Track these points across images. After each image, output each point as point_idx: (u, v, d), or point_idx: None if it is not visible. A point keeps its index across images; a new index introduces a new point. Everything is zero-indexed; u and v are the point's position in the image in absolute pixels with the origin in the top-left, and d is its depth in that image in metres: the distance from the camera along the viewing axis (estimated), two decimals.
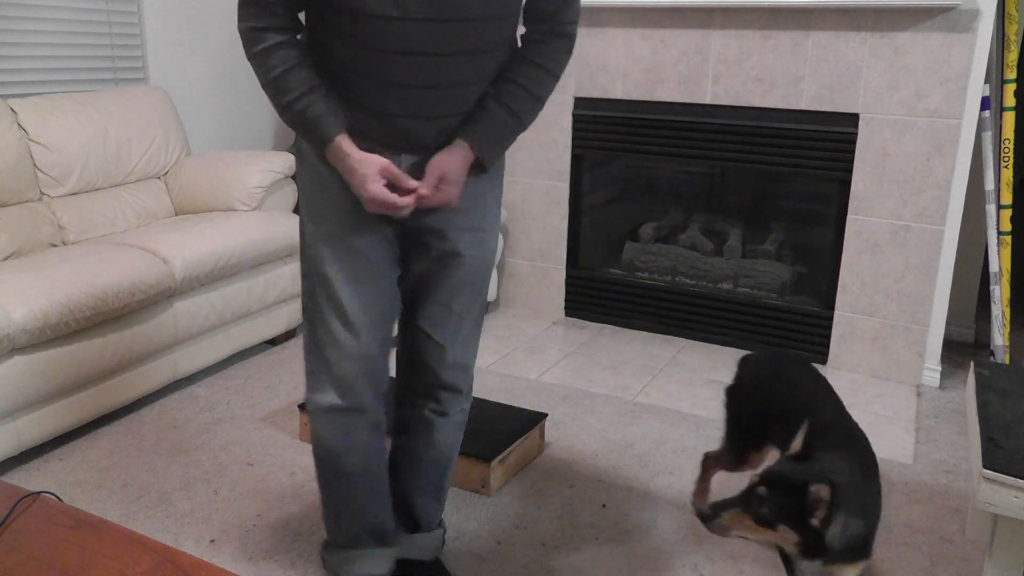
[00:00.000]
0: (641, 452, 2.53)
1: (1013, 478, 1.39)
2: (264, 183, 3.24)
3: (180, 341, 2.76)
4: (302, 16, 1.50)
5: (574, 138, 3.55)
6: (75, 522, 1.36)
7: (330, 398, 1.62)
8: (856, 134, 3.02)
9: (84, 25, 3.28)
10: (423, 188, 1.49)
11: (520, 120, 1.54)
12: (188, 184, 3.29)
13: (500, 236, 1.63)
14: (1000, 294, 2.98)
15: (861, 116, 3.01)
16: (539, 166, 3.66)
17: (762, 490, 1.47)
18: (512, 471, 2.36)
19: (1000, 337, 2.99)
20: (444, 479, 1.86)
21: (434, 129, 1.51)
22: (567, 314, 3.75)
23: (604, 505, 2.24)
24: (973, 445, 1.59)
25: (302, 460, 2.42)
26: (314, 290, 1.61)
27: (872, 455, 1.61)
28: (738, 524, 1.49)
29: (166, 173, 3.36)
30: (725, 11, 3.14)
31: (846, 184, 3.09)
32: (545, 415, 2.51)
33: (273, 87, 1.47)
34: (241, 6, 1.46)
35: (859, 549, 1.51)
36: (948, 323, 3.47)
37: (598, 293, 3.66)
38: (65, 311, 2.31)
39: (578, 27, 1.54)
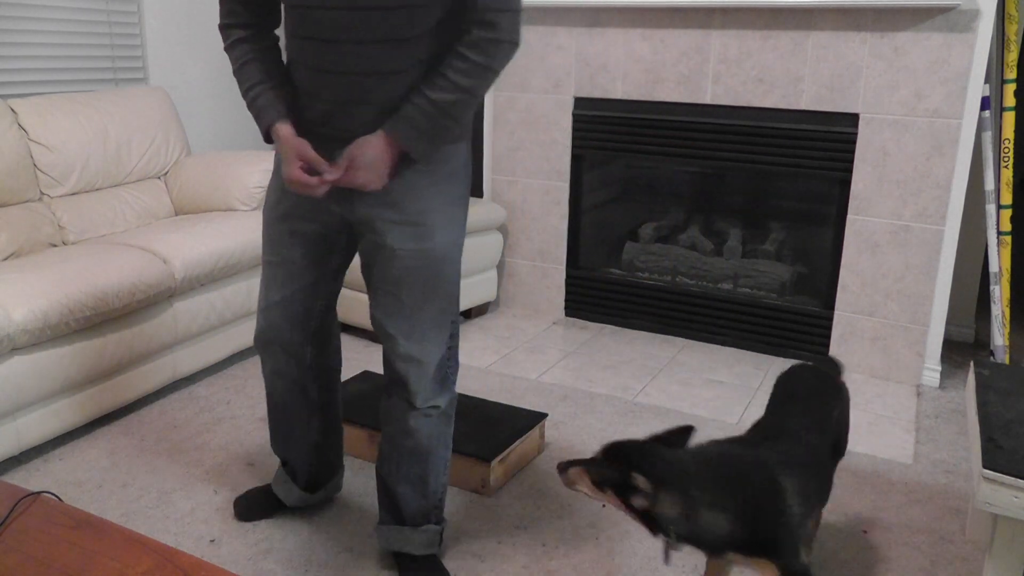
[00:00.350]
0: None
1: (1013, 478, 1.39)
2: (264, 183, 3.24)
3: (180, 341, 2.76)
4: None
5: (574, 138, 3.55)
6: (75, 522, 1.36)
7: (254, 340, 1.94)
8: (856, 134, 3.03)
9: (84, 25, 3.28)
10: (330, 174, 1.58)
11: (446, 112, 1.56)
12: (188, 184, 3.29)
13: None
14: (1000, 294, 2.98)
15: (861, 116, 3.01)
16: (539, 166, 3.66)
17: (599, 456, 1.55)
18: (512, 471, 2.36)
19: (1000, 337, 2.99)
20: (428, 474, 1.86)
21: (366, 117, 1.59)
22: (567, 314, 3.75)
23: (604, 505, 2.24)
24: (973, 445, 1.59)
25: None
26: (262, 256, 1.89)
27: (770, 469, 1.54)
28: (579, 480, 1.58)
29: (166, 173, 3.36)
30: (725, 11, 3.14)
31: (846, 184, 3.09)
32: (545, 415, 2.51)
33: (237, 77, 1.71)
34: (219, 4, 1.70)
35: (745, 545, 1.50)
36: (948, 323, 3.47)
37: (598, 293, 3.66)
38: (65, 311, 2.31)
39: (512, 16, 1.51)
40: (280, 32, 1.74)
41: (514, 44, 1.54)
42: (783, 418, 1.72)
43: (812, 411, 1.74)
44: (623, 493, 1.53)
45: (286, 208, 1.78)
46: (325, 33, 1.53)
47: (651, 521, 1.51)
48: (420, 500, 1.89)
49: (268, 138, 1.68)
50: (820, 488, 1.67)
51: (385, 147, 1.58)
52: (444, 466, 1.90)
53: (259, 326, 1.90)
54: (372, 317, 1.78)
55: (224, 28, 1.71)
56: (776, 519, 1.51)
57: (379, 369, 3.06)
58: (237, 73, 1.70)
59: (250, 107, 1.68)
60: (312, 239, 1.79)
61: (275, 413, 2.02)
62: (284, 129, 1.63)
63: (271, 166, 3.28)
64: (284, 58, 1.73)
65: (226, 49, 1.72)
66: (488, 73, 1.54)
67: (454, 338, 1.81)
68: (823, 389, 1.83)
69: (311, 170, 1.61)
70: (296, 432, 2.02)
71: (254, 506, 2.13)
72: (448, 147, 1.67)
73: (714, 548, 1.54)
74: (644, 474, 1.48)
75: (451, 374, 1.84)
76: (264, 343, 1.91)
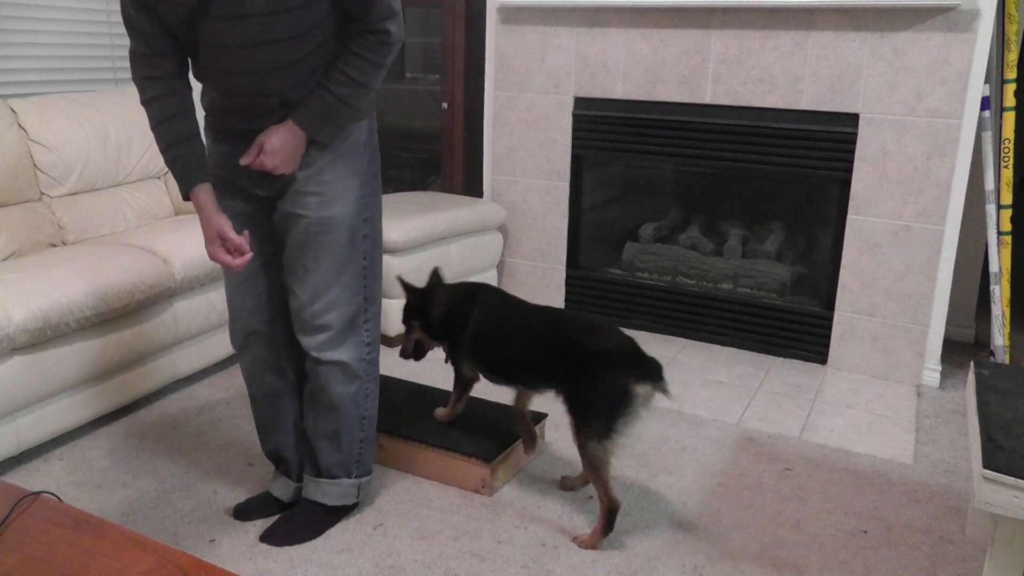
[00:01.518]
0: (641, 452, 2.53)
1: (1013, 478, 1.39)
2: None
3: (180, 341, 2.76)
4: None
5: (574, 138, 3.55)
6: (75, 522, 1.36)
7: (231, 342, 2.08)
8: (856, 134, 3.02)
9: (84, 25, 3.28)
10: (244, 159, 1.79)
11: (345, 102, 1.80)
12: None
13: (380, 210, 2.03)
14: (1000, 294, 2.98)
15: (861, 116, 3.01)
16: (539, 166, 3.66)
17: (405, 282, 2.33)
18: (512, 471, 2.36)
19: (1000, 337, 2.99)
20: (340, 429, 2.04)
21: (276, 117, 1.80)
22: None
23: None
24: (973, 445, 1.59)
25: None
26: None
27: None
28: (414, 330, 2.34)
29: (166, 173, 3.35)
30: (725, 11, 3.14)
31: (846, 184, 3.09)
32: (545, 415, 2.51)
33: (155, 132, 1.80)
34: (130, 61, 1.77)
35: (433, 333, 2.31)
36: (948, 323, 3.47)
37: (598, 293, 3.66)
38: (65, 311, 2.31)
39: (398, 20, 1.77)
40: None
41: (400, 43, 1.81)
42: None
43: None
44: (422, 322, 2.31)
45: (225, 190, 1.90)
46: (229, 66, 1.73)
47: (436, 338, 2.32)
48: (335, 454, 2.06)
49: (186, 196, 1.83)
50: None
51: (292, 135, 1.80)
52: (359, 423, 2.07)
53: (230, 318, 2.04)
54: (284, 282, 1.97)
55: (143, 80, 1.77)
56: (455, 323, 2.26)
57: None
58: (155, 130, 1.79)
59: (170, 164, 1.81)
60: (255, 219, 1.94)
61: (260, 405, 2.12)
62: (204, 198, 1.81)
63: None
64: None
65: (145, 103, 1.78)
66: (381, 69, 1.80)
67: (371, 308, 2.01)
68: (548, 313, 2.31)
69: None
70: (281, 418, 2.11)
71: (252, 509, 2.16)
72: (348, 126, 1.89)
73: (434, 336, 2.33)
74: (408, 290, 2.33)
75: (366, 337, 2.01)
76: (243, 334, 2.03)
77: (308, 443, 2.08)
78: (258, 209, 1.94)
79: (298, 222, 1.89)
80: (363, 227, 1.94)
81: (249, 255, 1.81)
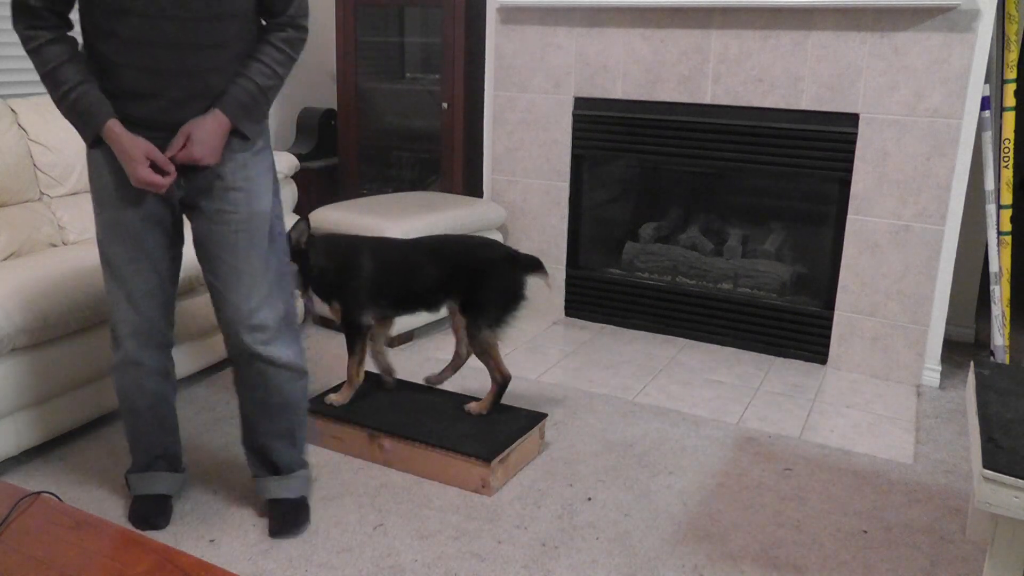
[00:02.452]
0: (641, 452, 2.53)
1: (1013, 478, 1.39)
2: None
3: (180, 341, 2.76)
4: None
5: (574, 138, 3.55)
6: (75, 522, 1.36)
7: (119, 356, 1.97)
8: (856, 134, 3.02)
9: None
10: (170, 151, 1.78)
11: (265, 93, 1.86)
12: None
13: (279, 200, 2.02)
14: (1000, 294, 2.98)
15: (861, 116, 3.01)
16: (539, 166, 3.66)
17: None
18: (512, 471, 2.36)
19: (1000, 337, 2.99)
20: (295, 426, 2.08)
21: (200, 107, 1.79)
22: (567, 314, 3.74)
23: (589, 498, 2.24)
24: (973, 445, 1.59)
25: None
26: (103, 268, 1.92)
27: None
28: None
29: None
30: (725, 11, 3.14)
31: (846, 184, 3.09)
32: (545, 415, 2.51)
33: (49, 79, 1.74)
34: (13, 11, 1.72)
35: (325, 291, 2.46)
36: (948, 323, 3.47)
37: (598, 293, 3.66)
38: (65, 311, 2.31)
39: (307, 18, 1.88)
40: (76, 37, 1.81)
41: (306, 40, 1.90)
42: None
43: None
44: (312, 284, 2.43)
45: (134, 197, 1.85)
46: (170, 38, 1.72)
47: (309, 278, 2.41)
48: (291, 450, 2.10)
49: (96, 140, 1.77)
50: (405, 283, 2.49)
51: (218, 125, 1.81)
52: (305, 415, 2.12)
53: (131, 324, 1.93)
54: (211, 287, 1.95)
55: (29, 29, 1.72)
56: (349, 277, 2.42)
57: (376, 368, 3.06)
58: (51, 75, 1.73)
59: (71, 107, 1.75)
60: (165, 223, 1.92)
61: (145, 413, 2.05)
62: (119, 127, 1.75)
63: None
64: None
65: (33, 51, 1.73)
66: (293, 64, 1.89)
67: (292, 302, 2.04)
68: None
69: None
70: (169, 419, 2.12)
71: (153, 515, 2.11)
72: (263, 123, 1.93)
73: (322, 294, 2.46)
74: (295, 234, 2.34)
75: (297, 330, 2.05)
76: (145, 345, 1.97)
77: (259, 446, 2.07)
78: (166, 214, 1.91)
79: (227, 219, 1.88)
80: (277, 223, 1.98)
81: (175, 174, 1.78)
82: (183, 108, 1.79)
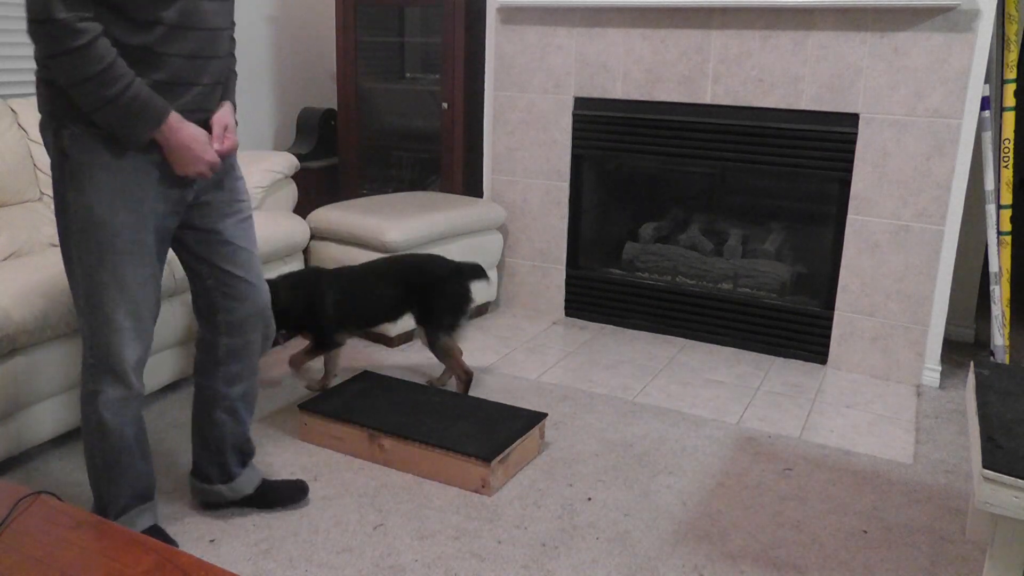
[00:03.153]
0: (641, 452, 2.53)
1: (1013, 478, 1.39)
2: (264, 183, 3.24)
3: (181, 340, 2.76)
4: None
5: (574, 138, 3.55)
6: (75, 522, 1.36)
7: (118, 392, 1.80)
8: (856, 134, 3.02)
9: None
10: (218, 144, 1.77)
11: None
12: None
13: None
14: (1000, 294, 2.98)
15: (861, 116, 3.01)
16: (539, 166, 3.66)
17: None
18: (512, 471, 2.36)
19: (1000, 337, 2.99)
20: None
21: (219, 94, 1.81)
22: (567, 314, 3.75)
23: (596, 499, 2.24)
24: (973, 445, 1.59)
25: (302, 460, 2.42)
26: (103, 294, 1.72)
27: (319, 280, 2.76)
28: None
29: None
30: (725, 11, 3.15)
31: (846, 184, 3.09)
32: (545, 415, 2.51)
33: (105, 77, 1.57)
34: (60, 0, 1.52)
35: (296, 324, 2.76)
36: (948, 323, 3.47)
37: (598, 293, 3.66)
38: (65, 311, 2.31)
39: None
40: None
41: None
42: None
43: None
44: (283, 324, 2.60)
45: (163, 209, 1.75)
46: (209, 22, 1.71)
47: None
48: (250, 433, 2.14)
49: (156, 128, 1.64)
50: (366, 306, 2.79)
51: (232, 115, 1.86)
52: None
53: (136, 353, 1.79)
54: (233, 283, 1.91)
55: (82, 21, 1.54)
56: (317, 308, 2.70)
57: (376, 369, 3.06)
58: (108, 71, 1.57)
59: (129, 105, 1.60)
60: (171, 233, 1.85)
61: (137, 442, 1.89)
62: (177, 116, 1.68)
63: (271, 166, 3.27)
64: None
65: (84, 47, 1.54)
66: None
67: None
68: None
69: None
70: (147, 442, 1.97)
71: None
72: None
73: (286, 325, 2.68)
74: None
75: None
76: (142, 368, 1.84)
77: (239, 443, 2.10)
78: (174, 223, 1.84)
79: (241, 208, 1.93)
80: None
81: (217, 146, 1.78)
82: (210, 96, 1.78)
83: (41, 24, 1.55)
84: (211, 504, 2.15)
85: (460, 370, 2.75)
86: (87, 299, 1.74)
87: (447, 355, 2.73)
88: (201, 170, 1.74)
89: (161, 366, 2.72)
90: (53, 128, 1.69)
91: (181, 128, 1.68)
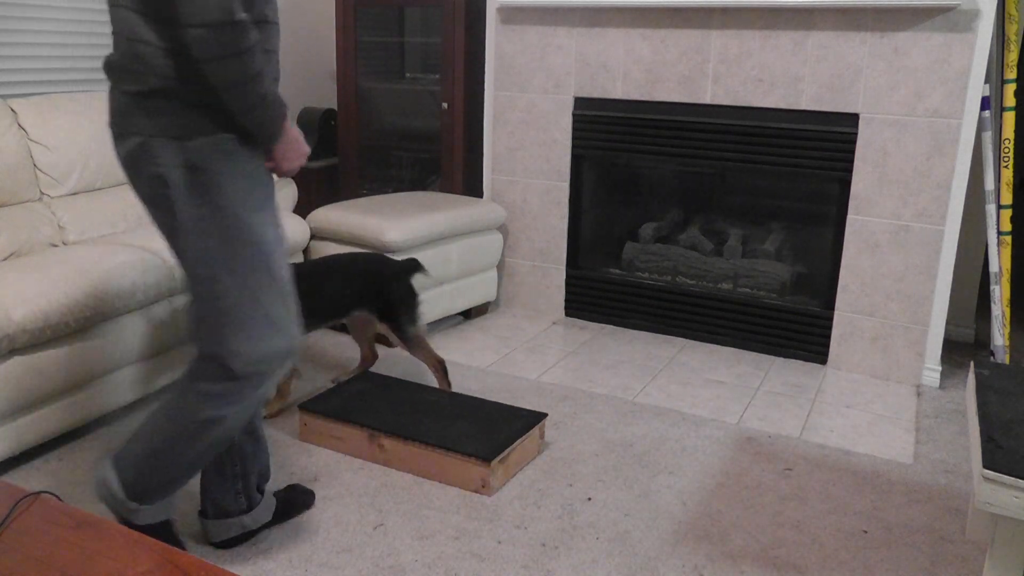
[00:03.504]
0: (641, 452, 2.53)
1: (1013, 478, 1.39)
2: None
3: (181, 341, 2.76)
4: None
5: (574, 138, 3.56)
6: (75, 522, 1.36)
7: (257, 393, 1.74)
8: (856, 134, 3.03)
9: (84, 25, 3.28)
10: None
11: None
12: None
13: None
14: (1000, 294, 2.98)
15: (861, 116, 3.01)
16: (539, 166, 3.66)
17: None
18: (512, 471, 2.36)
19: (1000, 337, 2.99)
20: None
21: None
22: (567, 314, 3.75)
23: (596, 499, 2.24)
24: (973, 445, 1.59)
25: (302, 460, 2.42)
26: (261, 296, 1.67)
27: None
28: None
29: None
30: (725, 11, 3.15)
31: (846, 184, 3.09)
32: (545, 415, 2.51)
33: (262, 74, 1.55)
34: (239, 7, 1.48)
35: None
36: (948, 323, 3.47)
37: (598, 293, 3.66)
38: (65, 311, 2.31)
39: None
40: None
41: None
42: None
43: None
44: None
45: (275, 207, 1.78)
46: (278, 17, 1.68)
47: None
48: None
49: (280, 125, 1.64)
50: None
51: None
52: None
53: (294, 339, 1.76)
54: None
55: (248, 22, 1.50)
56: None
57: (376, 369, 3.06)
58: (263, 69, 1.55)
59: (275, 102, 1.60)
60: None
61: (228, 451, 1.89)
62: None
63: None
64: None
65: (250, 49, 1.51)
66: None
67: None
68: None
69: None
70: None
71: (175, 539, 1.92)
72: None
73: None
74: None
75: None
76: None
77: (264, 463, 1.99)
78: None
79: None
80: None
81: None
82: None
83: (222, 27, 1.47)
84: (230, 542, 1.99)
85: (432, 358, 2.75)
86: (238, 308, 1.66)
87: (416, 345, 2.72)
88: (301, 164, 1.74)
89: (161, 367, 2.72)
90: (173, 146, 1.59)
91: (289, 127, 1.69)
